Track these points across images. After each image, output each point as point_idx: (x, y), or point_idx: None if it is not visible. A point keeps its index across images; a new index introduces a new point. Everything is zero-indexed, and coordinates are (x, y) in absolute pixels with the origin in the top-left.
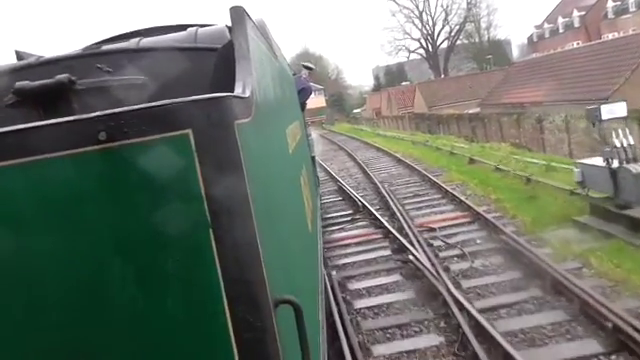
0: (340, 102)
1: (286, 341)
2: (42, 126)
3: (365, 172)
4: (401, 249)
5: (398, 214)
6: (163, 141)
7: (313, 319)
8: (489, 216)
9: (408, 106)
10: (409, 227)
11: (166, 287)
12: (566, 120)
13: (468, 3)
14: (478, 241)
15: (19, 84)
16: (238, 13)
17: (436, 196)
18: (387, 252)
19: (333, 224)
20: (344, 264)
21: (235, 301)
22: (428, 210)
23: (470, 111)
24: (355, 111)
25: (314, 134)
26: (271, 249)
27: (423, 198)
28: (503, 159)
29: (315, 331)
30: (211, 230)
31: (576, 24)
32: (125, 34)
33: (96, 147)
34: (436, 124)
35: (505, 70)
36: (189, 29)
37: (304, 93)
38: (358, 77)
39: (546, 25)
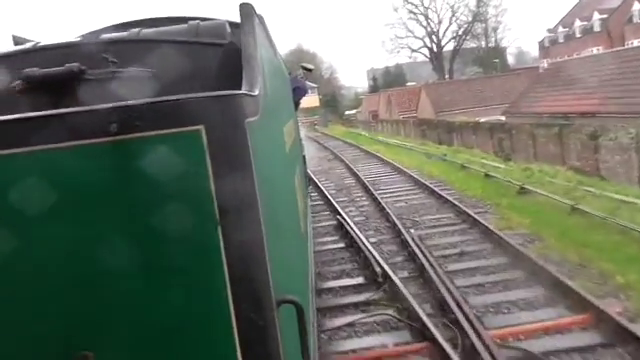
0: (334, 102)
1: (286, 340)
2: (53, 115)
3: (373, 198)
4: None
5: (450, 301)
6: (175, 136)
7: (307, 318)
8: None
9: (411, 110)
10: (485, 347)
11: (172, 281)
12: (638, 138)
13: (478, 0)
14: None
15: (28, 70)
16: (247, 10)
17: (501, 260)
18: None
19: (334, 309)
20: None
21: (240, 299)
22: (501, 295)
23: (483, 119)
24: (348, 112)
25: (303, 134)
26: (274, 248)
27: (480, 262)
28: (570, 191)
29: (309, 330)
30: (219, 227)
31: (596, 28)
32: (123, 24)
33: (107, 139)
34: (446, 132)
35: (523, 74)
36: (190, 22)
37: (298, 92)
38: (351, 78)
39: (561, 29)
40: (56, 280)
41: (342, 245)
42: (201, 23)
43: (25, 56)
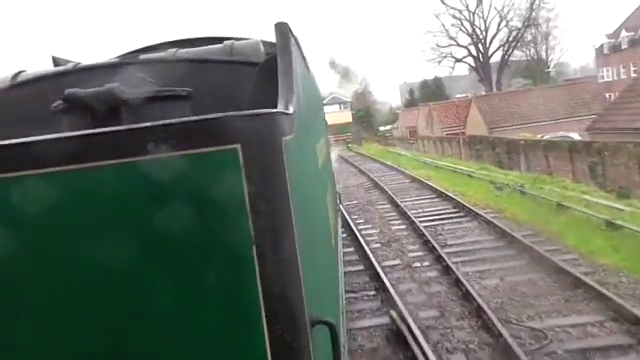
0: (368, 118)
1: None
2: (92, 135)
3: (443, 264)
4: None
5: None
6: (211, 155)
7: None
8: None
9: (459, 125)
10: None
11: (206, 300)
12: None
13: (531, 3)
14: None
15: (69, 91)
16: (283, 29)
17: None
18: None
19: None
20: None
21: (274, 319)
22: None
23: (547, 136)
24: (383, 129)
25: (334, 155)
26: (308, 267)
27: None
28: None
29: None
30: (254, 246)
31: None
32: (159, 44)
33: (144, 157)
34: (506, 153)
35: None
36: (225, 42)
37: None
38: (383, 93)
39: (624, 33)
40: (92, 297)
41: None
42: (235, 42)
43: (65, 77)
